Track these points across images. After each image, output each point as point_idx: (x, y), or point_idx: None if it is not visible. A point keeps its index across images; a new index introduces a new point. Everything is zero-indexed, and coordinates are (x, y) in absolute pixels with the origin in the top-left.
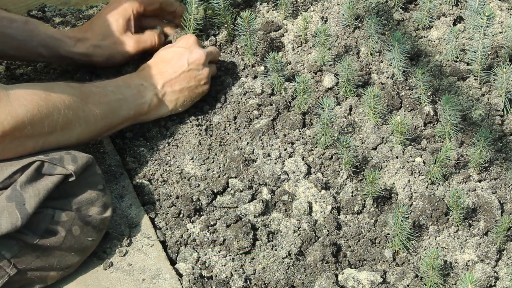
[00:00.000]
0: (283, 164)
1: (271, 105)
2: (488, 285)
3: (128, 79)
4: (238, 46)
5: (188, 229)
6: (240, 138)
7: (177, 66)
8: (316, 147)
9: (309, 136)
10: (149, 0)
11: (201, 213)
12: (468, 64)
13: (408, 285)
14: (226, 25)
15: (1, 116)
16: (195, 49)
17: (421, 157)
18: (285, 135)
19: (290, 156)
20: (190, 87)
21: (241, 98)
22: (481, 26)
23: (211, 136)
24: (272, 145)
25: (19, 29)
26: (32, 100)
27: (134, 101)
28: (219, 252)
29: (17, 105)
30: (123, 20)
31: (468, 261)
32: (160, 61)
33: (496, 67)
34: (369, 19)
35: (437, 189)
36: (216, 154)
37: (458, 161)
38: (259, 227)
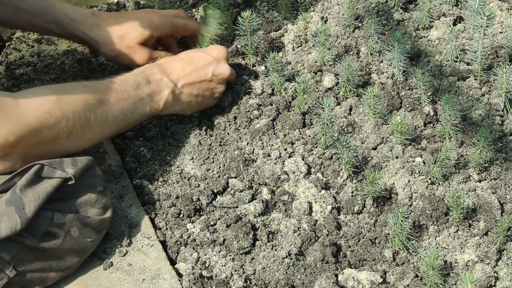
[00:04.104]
0: (283, 164)
1: (271, 105)
2: (488, 285)
3: (149, 73)
4: (239, 46)
5: (188, 229)
6: (240, 138)
7: (201, 72)
8: (316, 147)
9: (309, 136)
10: (173, 24)
11: (201, 213)
12: (468, 64)
13: (408, 285)
14: (226, 25)
15: (12, 125)
16: (223, 63)
17: (421, 157)
18: (285, 135)
19: (290, 156)
20: (204, 96)
21: (241, 98)
22: (481, 26)
23: (211, 136)
24: (272, 145)
25: (33, 4)
26: (42, 105)
27: (152, 98)
28: (219, 252)
29: (27, 112)
30: (148, 34)
31: (468, 261)
32: (186, 60)
33: (496, 67)
34: (369, 19)
35: (437, 189)
36: (216, 154)
37: (458, 161)
38: (259, 227)
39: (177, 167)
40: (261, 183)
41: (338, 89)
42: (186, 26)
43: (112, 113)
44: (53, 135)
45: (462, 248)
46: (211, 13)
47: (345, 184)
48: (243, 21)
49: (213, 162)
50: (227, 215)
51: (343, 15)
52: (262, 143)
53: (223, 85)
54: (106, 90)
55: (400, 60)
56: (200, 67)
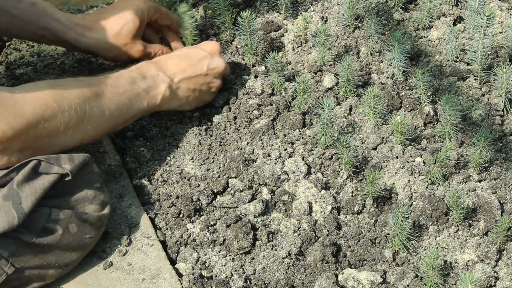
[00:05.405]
0: (283, 164)
1: (271, 105)
2: (488, 285)
3: (144, 69)
4: (238, 46)
5: (188, 229)
6: (240, 138)
7: (197, 67)
8: (316, 147)
9: (309, 136)
10: (157, 9)
11: (201, 213)
12: (468, 64)
13: (408, 285)
14: (226, 25)
15: (9, 118)
16: (217, 57)
17: (421, 157)
18: (285, 135)
19: (290, 156)
20: (201, 91)
21: (241, 98)
22: (481, 26)
23: (211, 136)
24: (272, 145)
25: (25, 10)
26: (37, 97)
27: (148, 93)
28: (219, 252)
29: (23, 105)
30: (139, 23)
31: (468, 261)
32: (181, 57)
33: (496, 67)
34: (369, 19)
35: (437, 189)
36: (216, 154)
37: (458, 161)
38: (259, 227)
39: (177, 167)
40: (261, 183)
41: (338, 89)
42: (168, 14)
43: (108, 107)
44: (50, 127)
45: (462, 248)
46: (181, 10)
47: (345, 184)
48: (243, 21)
49: (213, 162)
50: (227, 215)
51: (343, 15)
52: (262, 143)
53: (219, 80)
54: (101, 85)
55: (400, 60)
56: (195, 62)
